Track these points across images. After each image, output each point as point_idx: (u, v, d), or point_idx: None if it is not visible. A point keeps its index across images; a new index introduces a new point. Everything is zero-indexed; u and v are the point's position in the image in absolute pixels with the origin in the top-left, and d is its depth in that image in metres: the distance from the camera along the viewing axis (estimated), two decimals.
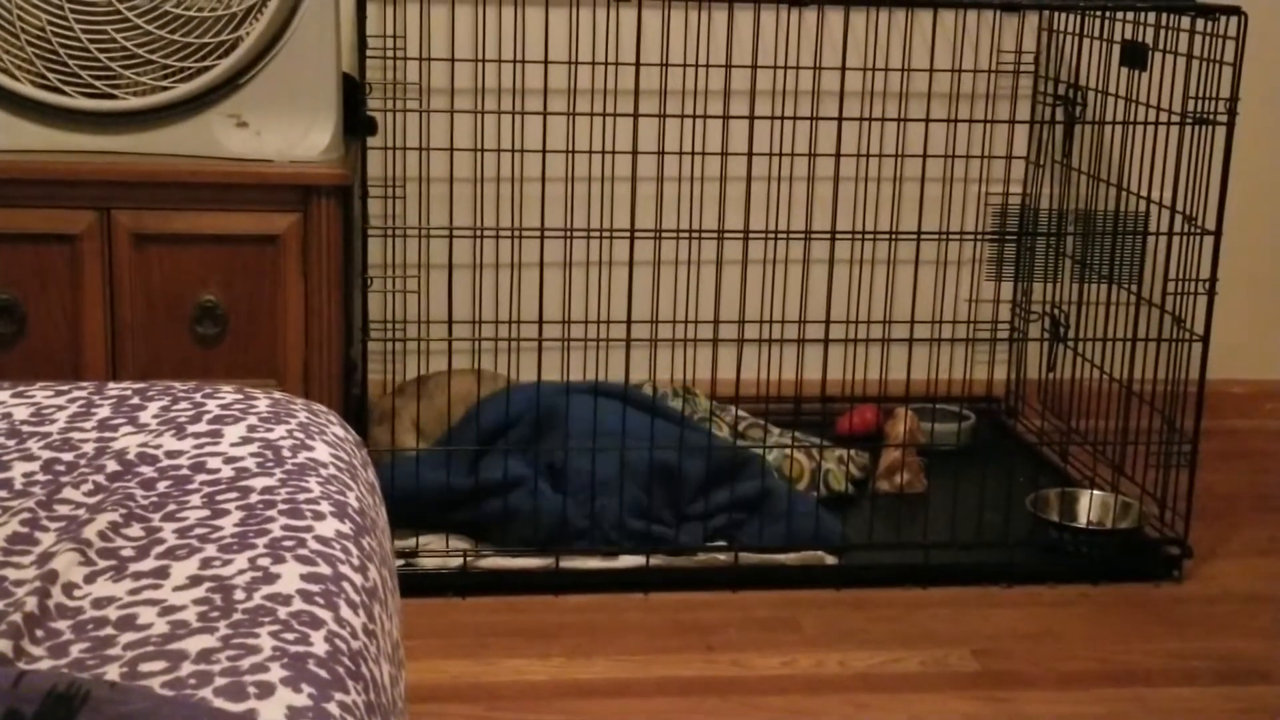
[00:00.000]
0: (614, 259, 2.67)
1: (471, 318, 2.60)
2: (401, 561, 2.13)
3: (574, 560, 2.18)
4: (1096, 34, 2.54)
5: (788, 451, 2.42)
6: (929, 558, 2.25)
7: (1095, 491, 2.40)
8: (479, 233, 2.61)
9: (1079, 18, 2.60)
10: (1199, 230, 2.27)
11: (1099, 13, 2.50)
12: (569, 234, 2.60)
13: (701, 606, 2.15)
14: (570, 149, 2.48)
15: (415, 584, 2.10)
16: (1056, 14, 2.68)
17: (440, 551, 2.17)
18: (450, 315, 2.29)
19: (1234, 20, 2.18)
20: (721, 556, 2.21)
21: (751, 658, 2.01)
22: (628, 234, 2.39)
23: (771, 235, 2.67)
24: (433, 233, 2.57)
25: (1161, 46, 2.30)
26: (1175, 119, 2.27)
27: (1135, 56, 2.38)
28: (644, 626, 2.09)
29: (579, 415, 2.25)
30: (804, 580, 2.22)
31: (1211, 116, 2.23)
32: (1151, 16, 2.33)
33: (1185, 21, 2.25)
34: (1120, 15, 2.45)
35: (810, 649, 2.04)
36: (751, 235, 2.40)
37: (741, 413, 2.59)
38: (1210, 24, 2.20)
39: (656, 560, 2.19)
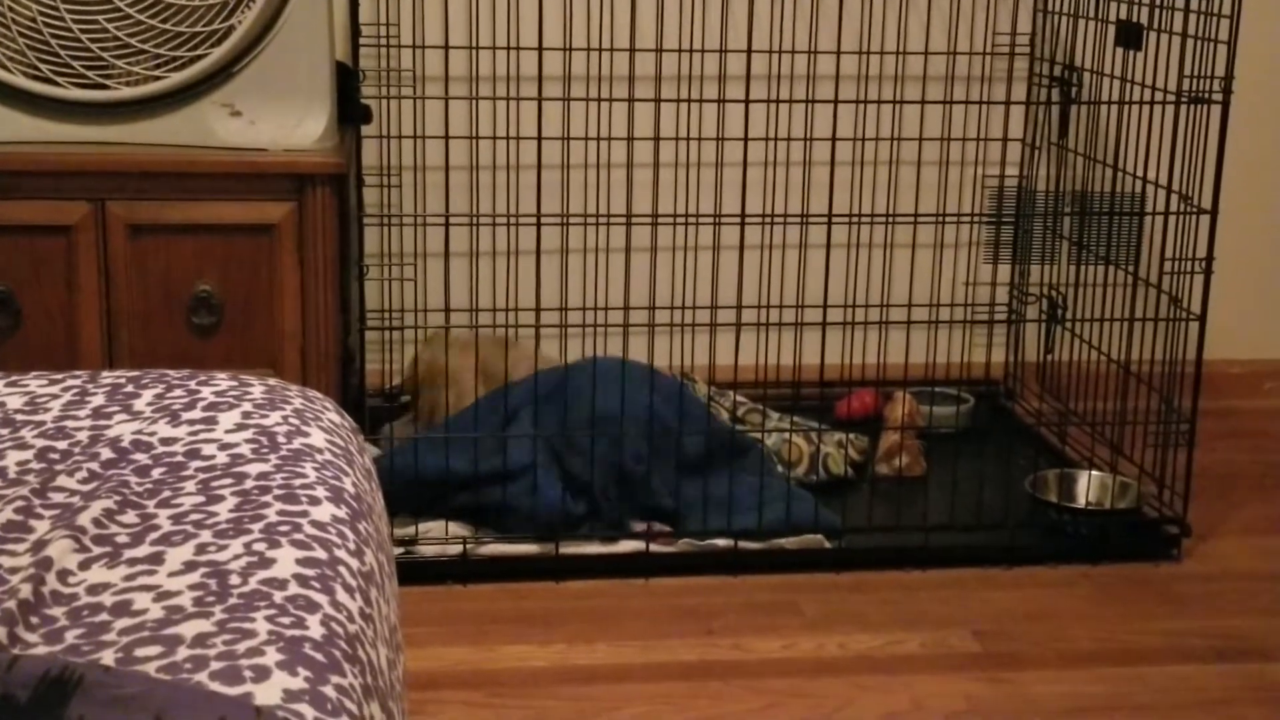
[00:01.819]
0: (611, 245, 2.66)
1: (469, 306, 2.60)
2: (401, 549, 2.13)
3: (574, 546, 2.18)
4: (1091, 14, 2.53)
5: (786, 435, 2.42)
6: (928, 540, 2.25)
7: (1094, 472, 2.40)
8: (475, 220, 2.61)
9: None
10: (1195, 210, 2.27)
11: None
12: (565, 220, 2.60)
13: (702, 591, 2.15)
14: (566, 135, 2.48)
15: (416, 571, 2.10)
16: None
17: (440, 539, 2.17)
18: (447, 303, 2.29)
19: None
20: (720, 542, 2.21)
21: (752, 641, 2.01)
22: (624, 220, 2.39)
23: (768, 219, 2.66)
24: (429, 221, 2.57)
25: (1156, 26, 2.29)
26: (1171, 98, 2.27)
27: (1130, 36, 2.37)
28: (645, 611, 2.09)
29: (578, 398, 2.25)
30: (804, 564, 2.22)
31: (1207, 95, 2.22)
32: None
33: (1180, 0, 2.24)
34: None
35: (811, 632, 2.04)
36: (748, 220, 2.40)
37: (740, 398, 2.59)
38: (1205, 2, 2.20)
39: (657, 546, 2.19)
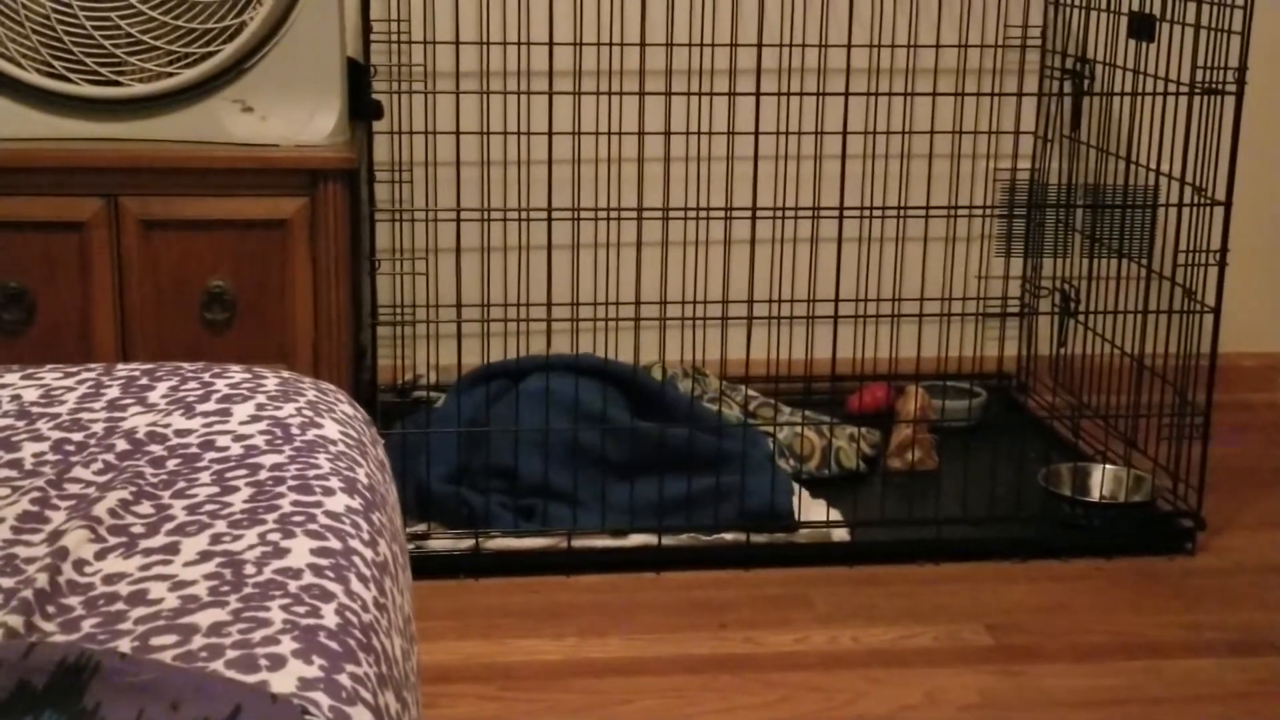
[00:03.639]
0: (622, 240, 2.67)
1: (480, 301, 2.60)
2: (413, 545, 2.13)
3: (585, 540, 2.18)
4: (1103, 6, 2.53)
5: (798, 430, 2.42)
6: (941, 534, 2.25)
7: (1108, 466, 2.39)
8: (486, 215, 2.61)
9: None
10: (1209, 201, 2.26)
11: None
12: (576, 215, 2.60)
13: (713, 585, 2.15)
14: (577, 130, 2.48)
15: (427, 566, 2.10)
16: None
17: (451, 533, 2.18)
18: (459, 298, 2.29)
19: None
20: (729, 536, 2.21)
21: (764, 635, 2.01)
22: (635, 214, 2.39)
23: (780, 213, 2.66)
24: (440, 216, 2.57)
25: (1169, 17, 2.29)
26: (1184, 90, 2.26)
27: (1143, 27, 2.36)
28: (656, 605, 2.09)
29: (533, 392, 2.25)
30: (816, 557, 2.22)
31: (1220, 86, 2.21)
32: None
33: None
34: None
35: (823, 626, 2.04)
36: (759, 214, 2.40)
37: (752, 392, 2.59)
38: None
39: (668, 540, 2.19)
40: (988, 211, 2.78)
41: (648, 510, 2.21)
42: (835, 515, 2.27)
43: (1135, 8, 2.40)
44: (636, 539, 2.19)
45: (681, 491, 2.22)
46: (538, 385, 2.27)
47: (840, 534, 2.25)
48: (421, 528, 2.17)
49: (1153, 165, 2.37)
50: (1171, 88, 2.29)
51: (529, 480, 2.20)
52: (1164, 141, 2.32)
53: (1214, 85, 2.22)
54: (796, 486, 2.31)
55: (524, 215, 2.62)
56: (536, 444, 2.20)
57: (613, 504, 2.22)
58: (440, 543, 2.16)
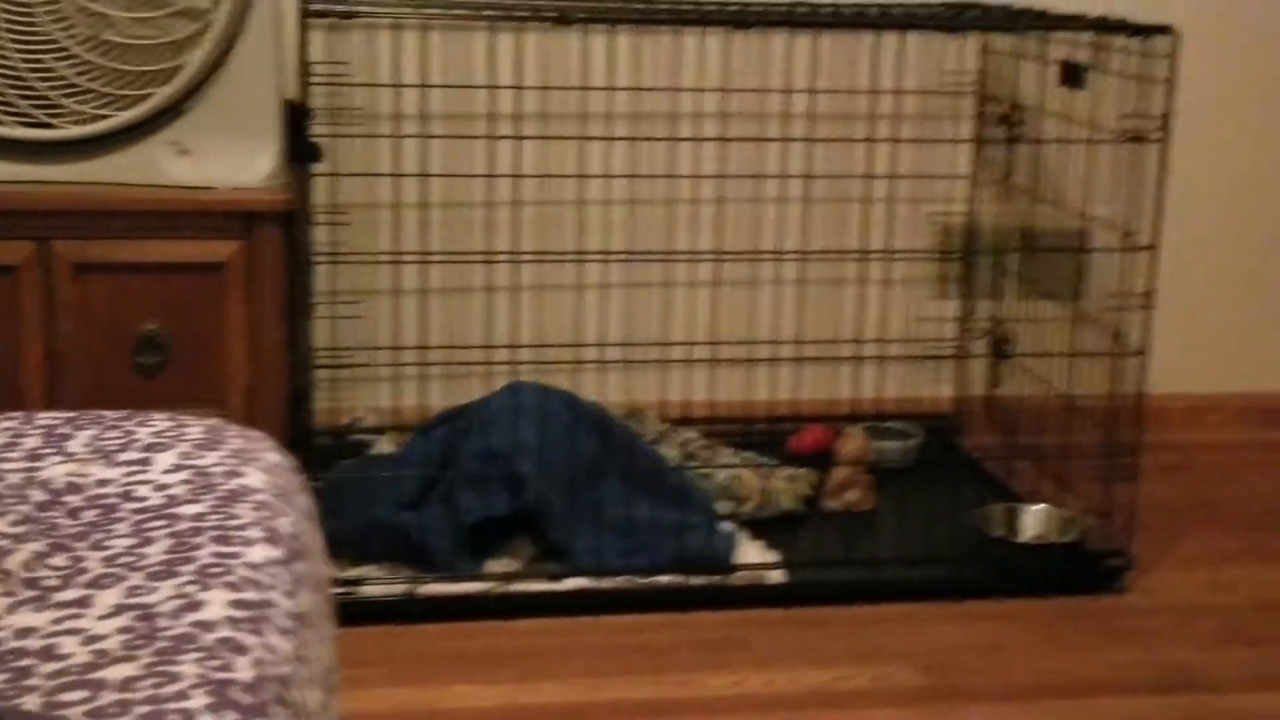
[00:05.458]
0: (562, 282, 2.67)
1: (418, 343, 2.60)
2: (344, 590, 2.11)
3: (521, 584, 2.18)
4: (1035, 55, 2.58)
5: (736, 471, 2.43)
6: (879, 575, 2.27)
7: (1039, 506, 2.42)
8: (425, 258, 2.61)
9: (1018, 39, 2.64)
10: (1137, 246, 2.30)
11: (1037, 34, 2.54)
12: (515, 258, 2.61)
13: (650, 628, 2.15)
14: (516, 173, 2.49)
15: (360, 612, 2.08)
16: (996, 35, 2.72)
17: (384, 579, 2.16)
18: (397, 341, 2.29)
19: (1166, 39, 2.21)
20: (666, 579, 2.21)
21: (702, 678, 2.01)
22: (575, 257, 2.40)
23: (717, 256, 2.68)
24: (379, 258, 2.57)
25: (1098, 66, 2.34)
26: (1112, 137, 2.31)
27: (1073, 76, 2.41)
28: (594, 649, 2.09)
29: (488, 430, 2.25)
30: (754, 600, 2.22)
31: (1147, 134, 2.26)
32: (1087, 36, 2.37)
33: (1120, 41, 2.29)
34: (1057, 36, 2.48)
35: (760, 668, 2.04)
36: (698, 256, 2.42)
37: (691, 434, 2.60)
38: (1143, 43, 2.24)
39: (605, 583, 2.19)
40: (922, 255, 2.81)
41: (587, 553, 2.21)
42: (773, 557, 2.28)
43: (1066, 57, 2.45)
44: (572, 583, 2.19)
45: (621, 535, 2.22)
46: (482, 417, 2.27)
47: (778, 575, 2.25)
48: (355, 573, 2.16)
49: (1083, 210, 2.42)
50: (1101, 135, 2.34)
51: (473, 513, 2.19)
52: (1094, 187, 2.36)
53: (1141, 133, 2.26)
54: (734, 528, 2.32)
55: (463, 258, 2.62)
56: (477, 479, 2.20)
57: (553, 547, 2.22)
58: (374, 589, 2.15)
